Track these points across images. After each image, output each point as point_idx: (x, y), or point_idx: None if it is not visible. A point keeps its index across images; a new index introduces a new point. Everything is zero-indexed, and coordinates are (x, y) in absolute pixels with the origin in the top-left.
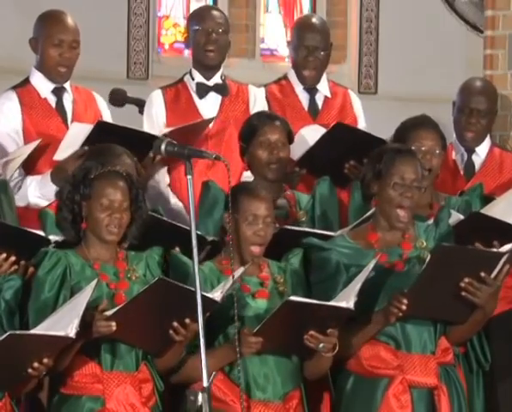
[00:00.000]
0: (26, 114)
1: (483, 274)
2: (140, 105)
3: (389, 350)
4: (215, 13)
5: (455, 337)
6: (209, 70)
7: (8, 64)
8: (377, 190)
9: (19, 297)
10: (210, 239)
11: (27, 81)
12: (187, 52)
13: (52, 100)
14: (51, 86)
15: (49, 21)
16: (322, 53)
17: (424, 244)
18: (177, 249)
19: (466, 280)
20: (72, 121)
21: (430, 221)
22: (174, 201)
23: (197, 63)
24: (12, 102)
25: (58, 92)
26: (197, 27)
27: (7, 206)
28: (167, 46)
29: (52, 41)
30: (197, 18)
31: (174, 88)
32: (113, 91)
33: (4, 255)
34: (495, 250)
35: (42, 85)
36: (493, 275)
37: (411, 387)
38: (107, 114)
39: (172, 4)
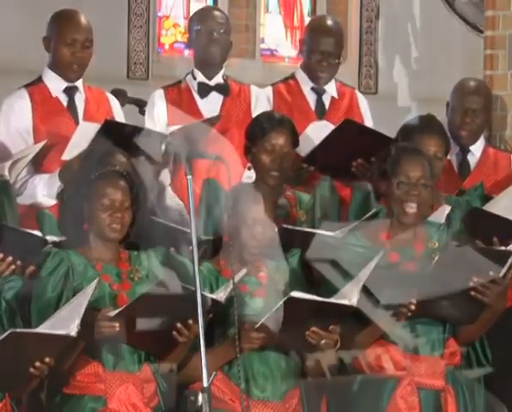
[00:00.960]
0: (37, 113)
1: (492, 273)
2: (140, 105)
3: (397, 351)
4: (216, 13)
5: (464, 337)
6: (211, 69)
7: (11, 65)
8: (385, 189)
9: (20, 298)
10: (204, 238)
11: (39, 79)
12: (187, 52)
13: (64, 99)
14: (64, 85)
15: (62, 21)
16: (337, 61)
17: (436, 244)
18: (172, 250)
19: (475, 279)
20: (84, 120)
21: (442, 221)
22: (175, 201)
23: (198, 63)
24: (23, 100)
25: (70, 91)
26: (198, 27)
27: (8, 206)
28: (167, 46)
29: (65, 40)
30: (198, 18)
31: (176, 88)
32: (114, 91)
33: (1, 255)
34: (503, 248)
35: (54, 84)
36: (502, 273)
37: (418, 388)
38: (120, 115)
39: (172, 4)
